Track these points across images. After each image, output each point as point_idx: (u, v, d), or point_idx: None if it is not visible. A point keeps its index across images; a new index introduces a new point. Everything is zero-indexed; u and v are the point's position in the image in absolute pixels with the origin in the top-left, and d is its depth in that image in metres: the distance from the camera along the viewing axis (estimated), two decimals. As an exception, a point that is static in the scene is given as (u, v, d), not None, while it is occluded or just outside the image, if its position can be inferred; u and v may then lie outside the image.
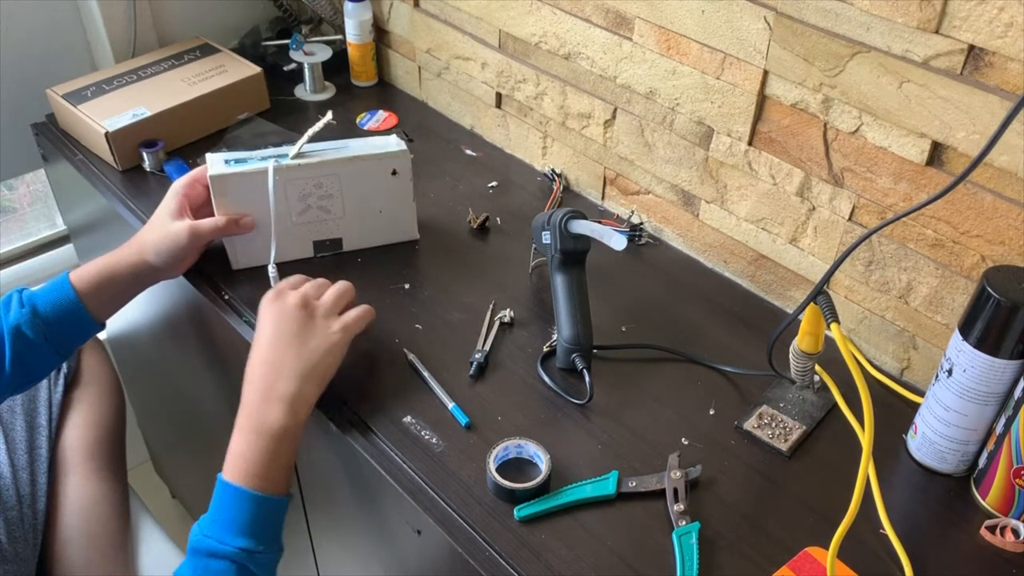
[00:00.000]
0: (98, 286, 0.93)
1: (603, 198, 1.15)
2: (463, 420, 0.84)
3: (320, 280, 0.89)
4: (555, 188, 1.16)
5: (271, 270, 0.98)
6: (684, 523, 0.75)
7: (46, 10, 1.27)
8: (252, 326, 0.95)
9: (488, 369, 0.90)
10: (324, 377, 0.83)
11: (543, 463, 0.79)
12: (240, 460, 0.79)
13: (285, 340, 0.82)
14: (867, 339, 0.93)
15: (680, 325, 0.97)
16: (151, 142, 1.16)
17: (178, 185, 0.97)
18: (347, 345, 0.85)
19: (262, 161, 0.96)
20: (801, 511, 0.78)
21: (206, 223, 0.95)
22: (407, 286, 1.01)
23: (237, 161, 0.97)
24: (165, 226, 0.95)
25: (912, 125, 0.79)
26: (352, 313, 0.87)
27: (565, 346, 0.88)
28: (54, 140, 1.23)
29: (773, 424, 0.85)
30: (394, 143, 1.02)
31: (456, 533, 0.75)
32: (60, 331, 0.93)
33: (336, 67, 1.37)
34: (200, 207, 0.99)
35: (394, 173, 1.01)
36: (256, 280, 1.00)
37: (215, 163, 0.96)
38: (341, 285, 0.89)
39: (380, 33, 1.35)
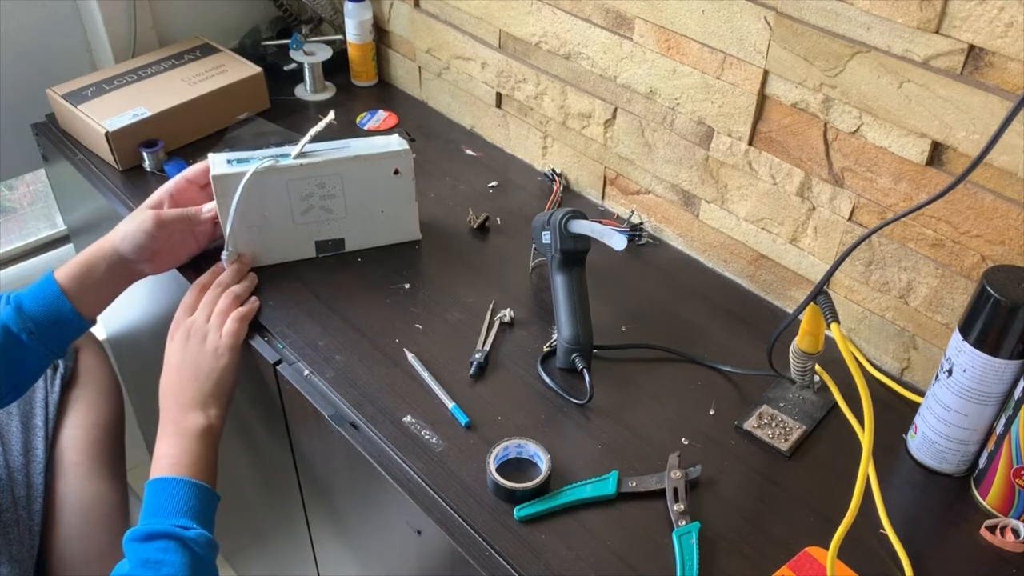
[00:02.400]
0: (79, 278, 0.95)
1: (603, 198, 1.15)
2: (463, 420, 0.84)
3: (214, 291, 0.95)
4: (555, 188, 1.16)
5: (224, 255, 0.99)
6: (684, 523, 0.75)
7: (46, 10, 1.27)
8: (251, 326, 0.96)
9: (488, 369, 0.90)
10: (226, 392, 0.91)
11: (543, 463, 0.79)
12: (165, 459, 0.85)
13: (185, 365, 0.90)
14: (867, 339, 0.93)
15: (680, 325, 0.97)
16: (151, 142, 1.16)
17: (170, 182, 1.00)
18: (238, 358, 0.92)
19: (264, 161, 0.96)
20: (801, 511, 0.78)
21: (171, 211, 0.98)
22: (407, 286, 1.01)
23: (239, 161, 0.97)
24: (137, 215, 0.97)
25: (912, 125, 0.79)
26: (231, 326, 0.92)
27: (565, 346, 0.88)
28: (54, 140, 1.23)
29: (773, 424, 0.85)
30: (396, 143, 1.02)
31: (456, 533, 0.75)
32: (47, 327, 0.94)
33: (336, 67, 1.37)
34: (187, 205, 1.01)
35: (396, 173, 1.01)
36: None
37: (217, 163, 0.96)
38: (234, 291, 0.95)
39: (380, 33, 1.35)
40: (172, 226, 0.97)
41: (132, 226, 0.95)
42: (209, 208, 0.99)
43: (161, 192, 0.99)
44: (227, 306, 0.94)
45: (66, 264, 0.95)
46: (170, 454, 0.84)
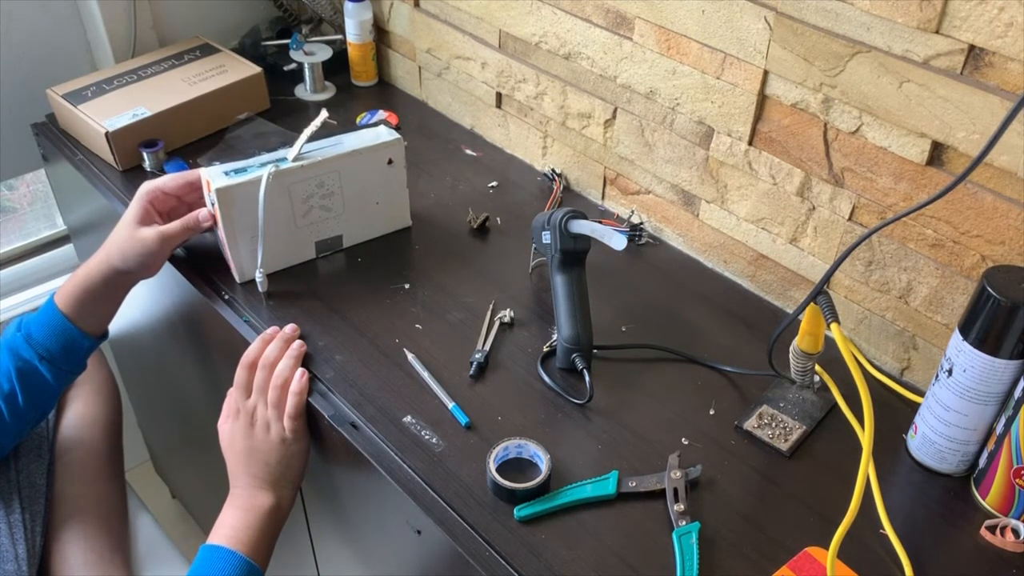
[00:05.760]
0: (79, 301, 0.95)
1: (603, 198, 1.15)
2: (463, 420, 0.84)
3: (261, 377, 0.89)
4: (555, 188, 1.16)
5: (258, 276, 0.98)
6: (684, 523, 0.75)
7: (46, 10, 1.27)
8: (252, 326, 0.96)
9: (488, 369, 0.90)
10: (299, 475, 0.90)
11: (543, 463, 0.79)
12: (227, 528, 0.85)
13: (253, 451, 0.87)
14: (867, 339, 0.93)
15: (680, 325, 0.97)
16: (151, 142, 1.16)
17: (142, 191, 0.97)
18: (306, 442, 0.89)
19: (262, 167, 0.95)
20: (801, 511, 0.78)
21: (174, 227, 0.96)
22: (407, 286, 1.01)
23: (236, 171, 0.94)
24: (132, 233, 0.95)
25: (912, 125, 0.79)
26: (291, 424, 0.87)
27: (565, 346, 0.88)
28: (54, 140, 1.23)
29: (773, 424, 0.85)
30: (385, 133, 1.02)
31: (456, 533, 0.75)
32: (59, 352, 0.96)
33: (336, 67, 1.37)
34: (165, 214, 1.00)
35: (390, 162, 1.01)
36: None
37: (215, 176, 0.93)
38: (283, 373, 0.89)
39: (380, 33, 1.35)
40: (176, 241, 0.96)
41: (136, 248, 0.94)
42: (206, 214, 0.97)
43: (145, 205, 0.96)
44: (279, 397, 0.88)
45: (63, 288, 0.96)
46: (233, 525, 0.85)
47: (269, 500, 0.86)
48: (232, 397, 0.90)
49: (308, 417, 0.89)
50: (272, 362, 0.90)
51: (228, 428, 0.90)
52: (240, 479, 0.88)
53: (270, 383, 0.89)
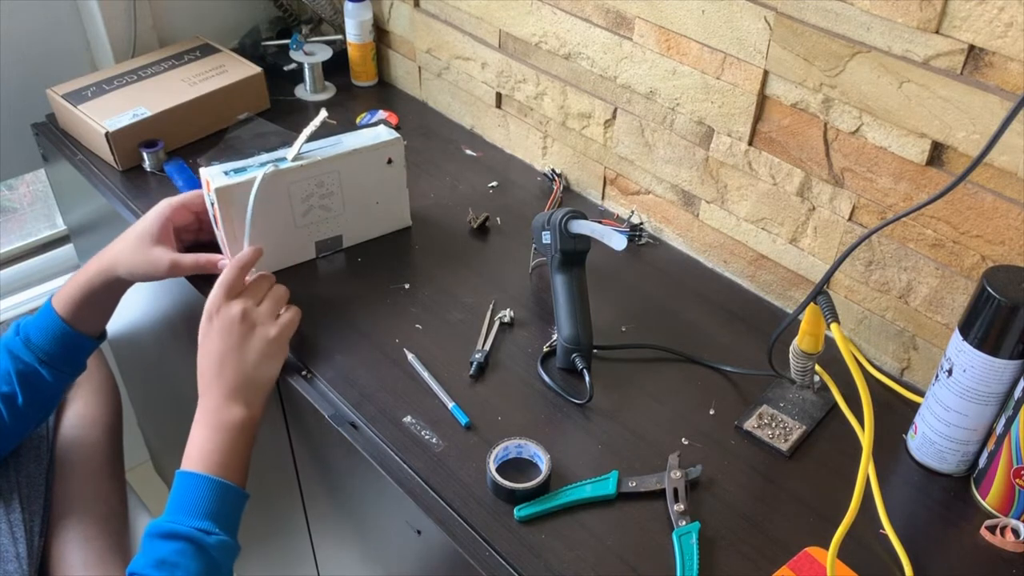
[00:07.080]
0: (78, 306, 0.95)
1: (603, 198, 1.15)
2: (463, 420, 0.84)
3: (258, 282, 0.90)
4: (555, 188, 1.16)
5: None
6: (684, 523, 0.75)
7: (46, 10, 1.27)
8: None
9: (488, 369, 0.90)
10: (270, 380, 0.87)
11: (543, 463, 0.79)
12: (198, 451, 0.82)
13: (231, 352, 0.85)
14: (867, 339, 0.93)
15: (680, 325, 0.97)
16: (151, 142, 1.16)
17: (166, 207, 0.96)
18: (286, 349, 0.89)
19: (261, 167, 0.95)
20: (801, 511, 0.78)
21: (187, 262, 0.94)
22: (407, 286, 1.01)
23: (236, 171, 0.94)
24: (145, 249, 0.93)
25: (912, 125, 0.79)
26: (285, 318, 0.89)
27: (565, 346, 0.88)
28: (54, 140, 1.23)
29: (773, 424, 0.85)
30: (385, 132, 1.02)
31: (456, 533, 0.75)
32: (58, 355, 0.96)
33: (336, 67, 1.37)
34: (182, 230, 1.00)
35: (389, 162, 1.02)
36: (256, 280, 1.00)
37: (215, 176, 0.93)
38: (278, 290, 0.91)
39: (380, 33, 1.35)
40: (184, 274, 0.96)
41: (144, 267, 0.93)
42: (224, 263, 0.95)
43: (165, 224, 0.95)
44: (282, 295, 0.89)
45: (63, 293, 0.95)
46: (204, 448, 0.82)
47: (240, 412, 0.83)
48: (214, 298, 0.86)
49: (308, 416, 0.89)
50: (269, 278, 0.91)
51: (204, 332, 0.86)
52: (211, 391, 0.84)
53: (266, 283, 0.89)
